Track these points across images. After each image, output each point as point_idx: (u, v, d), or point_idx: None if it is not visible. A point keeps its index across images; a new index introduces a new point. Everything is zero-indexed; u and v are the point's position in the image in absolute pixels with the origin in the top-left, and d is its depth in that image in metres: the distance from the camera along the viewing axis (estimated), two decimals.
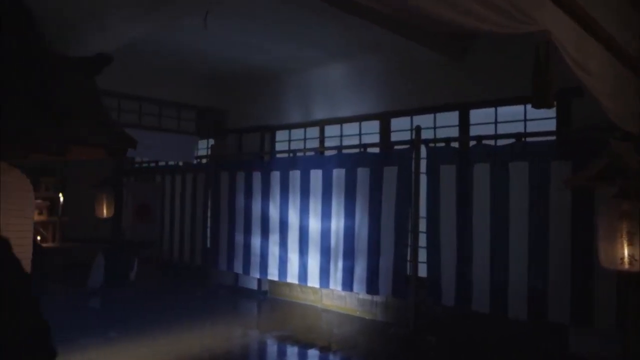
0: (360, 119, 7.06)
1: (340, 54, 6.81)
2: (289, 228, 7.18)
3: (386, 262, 6.14)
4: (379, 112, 6.86)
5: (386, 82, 6.79)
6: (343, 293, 6.93)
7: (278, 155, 7.68)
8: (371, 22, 4.84)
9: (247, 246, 7.71)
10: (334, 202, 6.69)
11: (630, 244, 3.38)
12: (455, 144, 5.86)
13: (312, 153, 7.23)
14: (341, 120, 7.29)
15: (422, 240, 5.95)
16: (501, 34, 2.51)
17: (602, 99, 3.35)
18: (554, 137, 5.24)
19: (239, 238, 7.84)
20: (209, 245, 8.44)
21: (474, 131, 6.01)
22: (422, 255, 5.94)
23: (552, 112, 5.33)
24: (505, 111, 5.82)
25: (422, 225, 5.94)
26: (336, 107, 7.27)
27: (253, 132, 8.38)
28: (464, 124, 6.11)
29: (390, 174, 6.18)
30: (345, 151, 6.79)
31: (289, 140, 8.08)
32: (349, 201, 6.53)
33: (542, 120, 5.42)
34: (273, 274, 7.40)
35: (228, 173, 8.11)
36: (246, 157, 8.18)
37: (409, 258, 6.02)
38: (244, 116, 8.51)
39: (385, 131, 6.88)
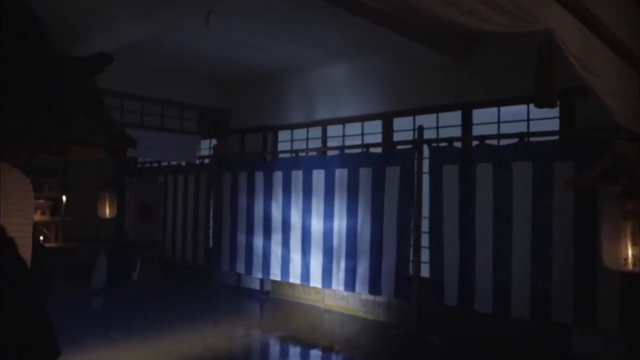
0: (362, 118, 7.05)
1: (342, 54, 6.80)
2: (292, 228, 7.18)
3: (388, 262, 6.13)
4: (382, 112, 6.85)
5: (389, 82, 6.78)
6: (345, 293, 6.92)
7: (280, 155, 7.67)
8: (373, 22, 4.83)
9: (250, 246, 7.71)
10: (336, 202, 6.68)
11: (634, 245, 3.36)
12: (457, 144, 5.84)
13: (314, 153, 7.22)
14: (344, 120, 7.28)
15: (425, 240, 5.93)
16: (504, 33, 2.49)
17: (607, 98, 3.33)
18: (557, 137, 5.22)
19: (242, 238, 7.83)
20: (211, 245, 8.44)
21: (476, 131, 5.99)
22: (425, 256, 5.92)
23: (555, 112, 5.31)
24: (508, 111, 5.81)
25: (425, 225, 5.93)
26: (339, 107, 7.26)
27: (255, 132, 8.38)
28: (467, 123, 6.10)
29: (393, 174, 6.16)
30: (347, 151, 6.78)
31: (292, 140, 8.07)
32: (351, 201, 6.52)
33: (545, 120, 5.41)
34: (275, 274, 7.39)
35: (230, 173, 8.11)
36: (249, 157, 8.18)
37: (411, 258, 6.00)
38: (246, 116, 8.51)
39: (387, 131, 6.86)
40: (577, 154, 4.86)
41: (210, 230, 8.50)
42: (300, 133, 7.96)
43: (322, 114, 7.48)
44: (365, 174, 6.42)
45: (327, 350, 5.70)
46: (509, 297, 5.20)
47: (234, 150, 8.60)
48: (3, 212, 1.38)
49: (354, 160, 6.57)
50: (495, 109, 5.86)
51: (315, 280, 6.87)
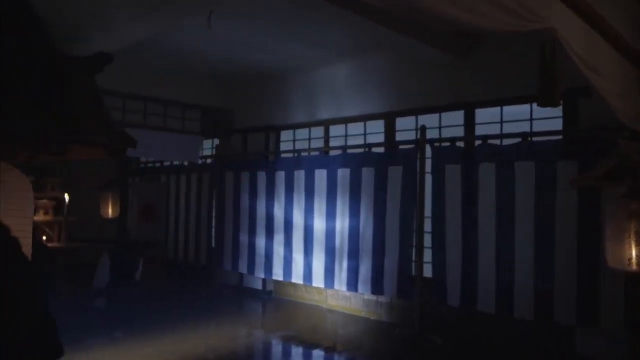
0: (365, 118, 7.04)
1: (344, 54, 6.79)
2: (294, 228, 7.17)
3: (391, 263, 6.11)
4: (384, 112, 6.83)
5: (391, 81, 6.77)
6: (348, 293, 6.91)
7: (283, 155, 7.67)
8: (374, 21, 4.82)
9: (252, 246, 7.71)
10: (339, 202, 6.67)
11: (638, 245, 3.33)
12: (460, 144, 5.83)
13: (317, 153, 7.21)
14: (346, 120, 7.27)
15: (428, 240, 5.92)
16: (507, 32, 2.48)
17: (611, 98, 3.31)
18: (560, 137, 5.20)
19: (244, 238, 7.83)
20: (214, 245, 8.44)
21: (479, 131, 5.97)
22: (428, 256, 5.91)
23: (558, 112, 5.28)
24: (511, 110, 5.79)
25: (428, 226, 5.92)
26: (341, 107, 7.25)
27: (258, 132, 8.38)
28: (470, 123, 6.08)
29: (396, 174, 6.15)
30: (350, 151, 6.77)
31: (294, 140, 8.07)
32: (353, 201, 6.51)
33: (549, 120, 5.38)
34: (278, 274, 7.39)
35: (233, 173, 8.11)
36: (251, 157, 8.18)
37: (414, 258, 5.98)
38: (249, 116, 8.51)
39: (390, 131, 6.85)
40: (580, 154, 4.83)
41: (213, 230, 8.50)
42: (302, 133, 7.95)
43: (324, 114, 7.48)
44: (367, 174, 6.41)
45: (329, 350, 5.69)
46: (512, 298, 5.19)
47: (237, 150, 8.60)
48: (3, 212, 1.38)
49: (357, 160, 6.56)
50: (498, 108, 5.84)
51: (318, 281, 6.86)
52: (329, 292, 7.19)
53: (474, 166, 5.52)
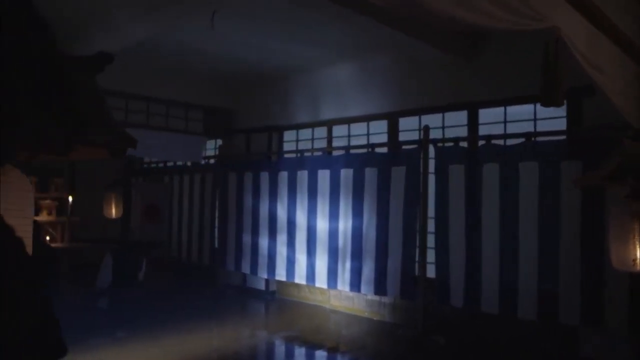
0: (368, 118, 7.03)
1: (347, 54, 6.78)
2: (297, 228, 7.16)
3: (394, 263, 6.10)
4: (387, 112, 6.82)
5: (394, 81, 6.76)
6: (351, 294, 6.90)
7: (286, 156, 7.67)
8: (376, 21, 4.80)
9: (255, 246, 7.71)
10: (341, 203, 6.66)
11: None
12: (464, 144, 5.80)
13: (319, 153, 7.21)
14: (349, 120, 7.26)
15: (431, 240, 5.90)
16: (510, 31, 2.47)
17: (614, 97, 3.29)
18: (564, 137, 5.17)
19: (247, 238, 7.83)
20: (217, 245, 8.44)
21: (482, 131, 5.96)
22: (431, 256, 5.89)
23: (562, 111, 5.26)
24: (514, 110, 5.77)
25: (431, 226, 5.90)
26: (344, 107, 7.24)
27: (261, 132, 8.37)
28: (473, 123, 6.06)
29: (398, 174, 6.13)
30: (353, 151, 6.76)
31: (297, 140, 8.07)
32: (356, 201, 6.49)
33: (552, 120, 5.36)
34: (281, 275, 7.38)
35: (236, 173, 8.11)
36: (254, 157, 8.18)
37: (417, 259, 5.97)
38: (251, 116, 8.51)
39: (393, 131, 6.84)
40: (584, 153, 4.81)
41: (216, 230, 8.50)
42: (305, 133, 7.95)
43: (327, 114, 7.47)
44: (370, 174, 6.40)
45: (332, 350, 5.68)
46: (515, 298, 5.16)
47: (240, 150, 8.60)
48: (3, 212, 1.38)
49: (360, 160, 6.55)
50: (501, 108, 5.82)
51: (321, 281, 6.86)
52: (332, 292, 7.19)
53: (477, 166, 5.50)
